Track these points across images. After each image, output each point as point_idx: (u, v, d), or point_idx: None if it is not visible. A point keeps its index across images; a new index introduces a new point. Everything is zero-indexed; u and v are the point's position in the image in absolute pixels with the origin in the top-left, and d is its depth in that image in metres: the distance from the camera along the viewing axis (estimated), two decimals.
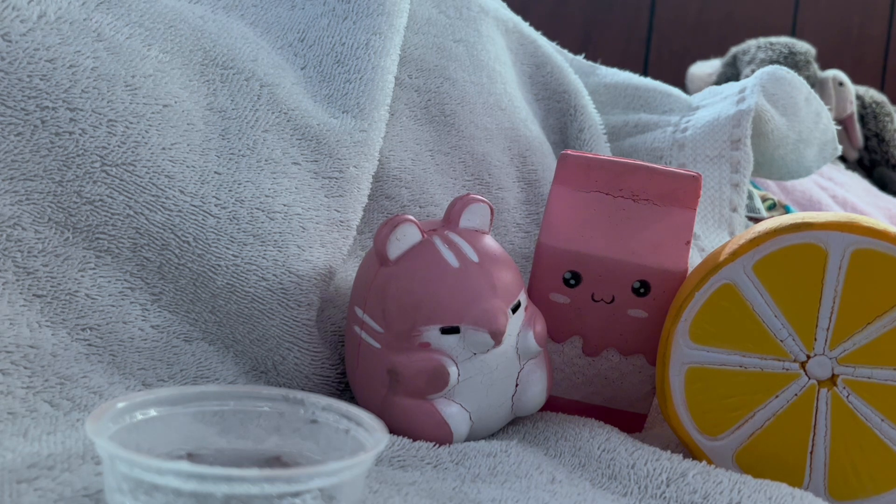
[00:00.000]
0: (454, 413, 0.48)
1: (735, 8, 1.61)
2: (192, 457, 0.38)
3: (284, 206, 0.52)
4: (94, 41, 0.50)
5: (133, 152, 0.49)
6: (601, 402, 0.55)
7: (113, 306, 0.48)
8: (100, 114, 0.48)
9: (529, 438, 0.50)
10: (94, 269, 0.48)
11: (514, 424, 0.53)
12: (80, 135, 0.48)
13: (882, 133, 1.36)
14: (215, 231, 0.50)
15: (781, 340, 0.47)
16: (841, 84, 1.31)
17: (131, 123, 0.49)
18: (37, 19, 0.48)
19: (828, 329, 0.47)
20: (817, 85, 1.30)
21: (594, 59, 0.87)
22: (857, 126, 1.35)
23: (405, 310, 0.47)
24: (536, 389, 0.50)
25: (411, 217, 0.48)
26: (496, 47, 0.72)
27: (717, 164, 0.75)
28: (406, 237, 0.48)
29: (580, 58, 0.85)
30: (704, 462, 0.47)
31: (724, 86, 0.81)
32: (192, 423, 0.39)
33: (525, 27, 0.78)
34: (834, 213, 0.47)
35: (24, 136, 0.46)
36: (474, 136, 0.66)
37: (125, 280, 0.49)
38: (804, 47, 1.31)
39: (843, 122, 1.33)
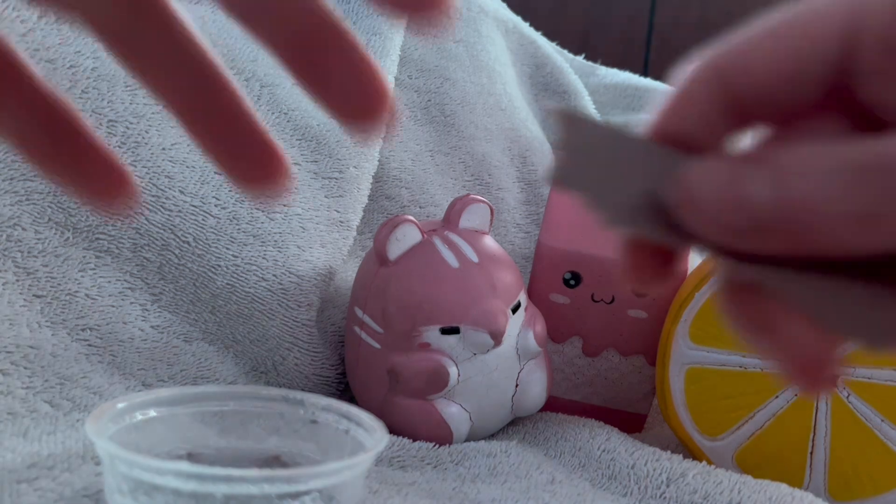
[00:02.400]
0: (454, 413, 0.48)
1: (735, 8, 1.61)
2: (191, 457, 0.38)
3: (284, 206, 0.52)
4: (93, 41, 0.49)
5: (133, 152, 0.49)
6: (601, 402, 0.55)
7: (113, 306, 0.48)
8: (100, 114, 0.48)
9: (529, 438, 0.50)
10: (94, 269, 0.48)
11: (514, 424, 0.53)
12: None
13: None
14: (215, 231, 0.50)
15: None
16: None
17: (131, 123, 0.49)
18: (37, 19, 0.48)
19: None
20: None
21: (594, 60, 0.87)
22: None
23: (405, 310, 0.47)
24: (536, 390, 0.50)
25: (411, 217, 0.48)
26: (496, 47, 0.72)
27: None
28: (406, 237, 0.48)
29: (580, 58, 0.85)
30: (704, 462, 0.47)
31: None
32: (192, 424, 0.39)
33: (525, 27, 0.78)
34: None
35: None
36: (474, 137, 0.66)
37: (125, 280, 0.49)
38: None
39: None
